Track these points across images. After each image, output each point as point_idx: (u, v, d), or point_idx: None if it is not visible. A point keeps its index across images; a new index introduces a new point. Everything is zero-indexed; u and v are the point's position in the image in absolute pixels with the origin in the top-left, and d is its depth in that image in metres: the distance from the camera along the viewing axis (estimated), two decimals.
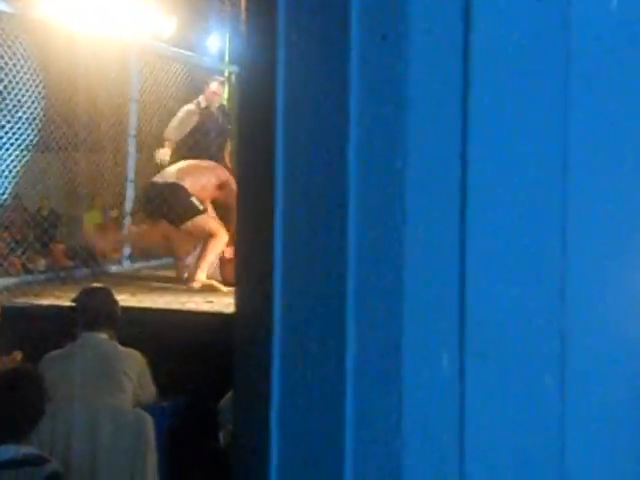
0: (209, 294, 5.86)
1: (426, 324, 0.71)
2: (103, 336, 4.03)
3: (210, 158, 7.17)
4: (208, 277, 6.42)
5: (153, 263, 8.00)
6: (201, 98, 7.65)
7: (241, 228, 0.86)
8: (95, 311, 4.04)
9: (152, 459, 3.84)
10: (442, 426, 0.70)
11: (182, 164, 6.82)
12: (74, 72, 7.22)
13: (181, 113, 7.59)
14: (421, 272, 0.71)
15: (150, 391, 4.11)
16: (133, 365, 4.00)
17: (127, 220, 7.78)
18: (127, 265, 7.73)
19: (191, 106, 7.63)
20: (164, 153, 7.10)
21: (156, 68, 8.14)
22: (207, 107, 7.62)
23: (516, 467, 0.70)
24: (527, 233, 0.72)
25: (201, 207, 6.50)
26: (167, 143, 7.33)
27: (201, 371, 4.75)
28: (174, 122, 7.52)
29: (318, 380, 0.75)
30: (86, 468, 3.76)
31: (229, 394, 3.93)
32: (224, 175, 6.78)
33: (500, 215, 0.72)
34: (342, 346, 0.73)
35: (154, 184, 6.65)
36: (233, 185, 6.49)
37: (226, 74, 9.53)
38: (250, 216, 0.83)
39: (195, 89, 8.80)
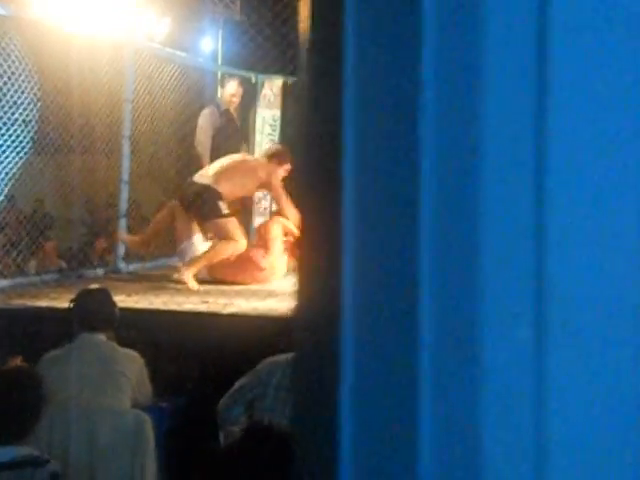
0: (205, 295, 5.85)
1: (504, 295, 0.70)
2: (101, 337, 4.03)
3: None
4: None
5: (148, 265, 8.00)
6: (219, 100, 7.68)
7: (307, 214, 0.85)
8: (93, 312, 4.04)
9: (151, 460, 3.84)
10: (520, 400, 0.70)
11: (221, 167, 6.91)
12: (68, 73, 7.22)
13: (201, 121, 7.65)
14: (498, 242, 0.71)
15: (147, 392, 4.11)
16: (131, 366, 4.00)
17: (122, 222, 7.77)
18: (122, 266, 7.72)
19: (208, 110, 7.68)
20: (203, 176, 7.10)
21: (150, 69, 8.14)
22: (227, 109, 7.66)
23: (597, 438, 0.70)
24: (609, 202, 0.71)
25: (225, 211, 6.68)
26: (202, 158, 7.46)
27: (199, 372, 4.75)
28: (199, 135, 7.61)
29: (393, 357, 0.75)
30: (85, 469, 3.75)
31: (228, 394, 3.93)
32: (265, 174, 6.81)
33: (580, 184, 0.71)
34: (417, 321, 0.73)
35: (192, 183, 6.88)
36: (275, 181, 6.64)
37: (219, 75, 9.53)
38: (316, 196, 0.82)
39: (189, 90, 8.81)
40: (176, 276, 6.60)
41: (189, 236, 6.91)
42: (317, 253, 0.84)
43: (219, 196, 6.68)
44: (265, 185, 6.86)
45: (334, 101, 0.80)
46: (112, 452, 3.78)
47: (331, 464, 0.78)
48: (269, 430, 2.79)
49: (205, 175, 6.89)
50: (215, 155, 7.53)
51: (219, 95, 7.80)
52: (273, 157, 6.88)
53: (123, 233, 7.58)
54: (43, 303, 5.70)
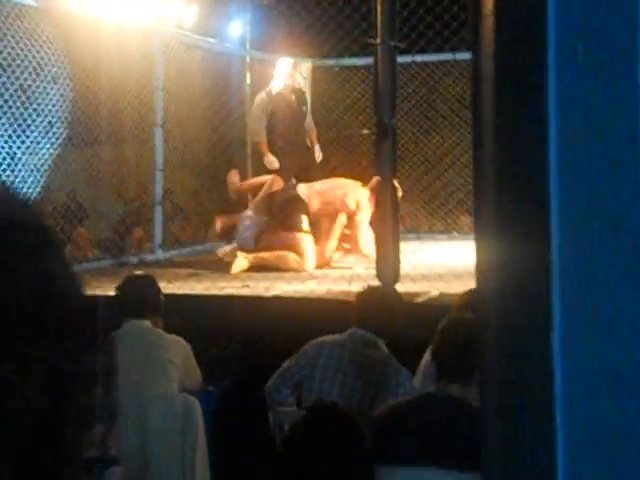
0: (247, 279, 5.86)
1: None
2: (147, 323, 4.04)
3: (289, 143, 7.30)
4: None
5: (185, 251, 8.03)
6: (272, 84, 7.70)
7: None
8: (138, 299, 4.05)
9: (201, 442, 3.86)
10: None
11: (322, 184, 7.20)
12: (99, 64, 7.24)
13: (255, 109, 7.68)
14: None
15: (196, 376, 4.13)
16: (178, 352, 4.01)
17: (157, 209, 7.80)
18: (159, 254, 7.76)
19: (258, 97, 7.70)
20: (271, 162, 7.37)
21: (180, 56, 8.14)
22: (278, 93, 7.67)
23: None
24: None
25: (305, 227, 6.93)
26: (262, 146, 7.52)
27: (245, 355, 4.76)
28: (254, 123, 7.64)
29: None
30: (137, 454, 3.78)
31: (276, 375, 3.94)
32: (359, 196, 6.91)
33: None
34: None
35: (288, 189, 7.22)
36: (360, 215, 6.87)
37: (247, 60, 9.51)
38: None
39: (218, 76, 8.80)
40: (222, 252, 6.83)
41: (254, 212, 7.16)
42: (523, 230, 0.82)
43: (305, 210, 6.95)
44: (350, 214, 7.00)
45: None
46: (163, 436, 3.81)
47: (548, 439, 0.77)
48: (333, 409, 2.80)
49: (301, 187, 7.15)
50: (274, 139, 7.54)
51: (273, 77, 7.73)
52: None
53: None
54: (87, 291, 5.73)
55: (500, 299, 0.84)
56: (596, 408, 0.74)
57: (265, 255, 6.68)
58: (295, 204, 6.99)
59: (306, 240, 6.80)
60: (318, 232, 7.00)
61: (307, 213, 6.96)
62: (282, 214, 7.01)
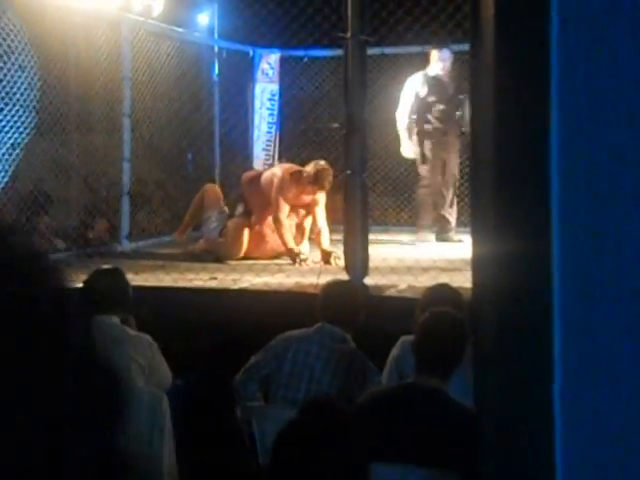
0: (215, 270, 5.84)
1: None
2: (114, 320, 3.98)
3: (439, 127, 7.44)
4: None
5: (151, 241, 7.98)
6: (429, 68, 7.71)
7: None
8: (107, 294, 3.98)
9: (169, 437, 3.84)
10: None
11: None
12: (67, 52, 7.16)
13: (406, 92, 7.62)
14: None
15: (164, 374, 4.07)
16: (142, 350, 3.94)
17: (124, 200, 7.74)
18: (126, 245, 7.70)
19: (411, 77, 7.66)
20: (410, 150, 7.32)
21: (148, 45, 8.08)
22: (434, 76, 7.66)
23: None
24: None
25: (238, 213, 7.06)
26: (404, 133, 7.47)
27: (212, 348, 4.75)
28: (404, 106, 7.59)
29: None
30: None
31: (243, 370, 3.93)
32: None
33: None
34: None
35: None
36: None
37: (216, 49, 9.46)
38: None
39: (187, 65, 8.75)
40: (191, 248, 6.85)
41: (213, 214, 7.18)
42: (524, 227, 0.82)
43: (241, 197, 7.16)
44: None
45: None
46: (129, 431, 3.78)
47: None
48: (330, 405, 2.78)
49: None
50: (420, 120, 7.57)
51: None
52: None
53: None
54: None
55: (500, 293, 0.84)
56: (596, 403, 0.74)
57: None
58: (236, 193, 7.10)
59: (233, 225, 6.84)
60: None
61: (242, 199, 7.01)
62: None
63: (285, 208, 6.73)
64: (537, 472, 0.80)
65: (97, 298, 3.96)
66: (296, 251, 6.57)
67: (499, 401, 0.86)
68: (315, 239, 6.81)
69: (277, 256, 6.81)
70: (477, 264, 0.94)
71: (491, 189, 0.88)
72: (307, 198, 6.80)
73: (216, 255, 6.67)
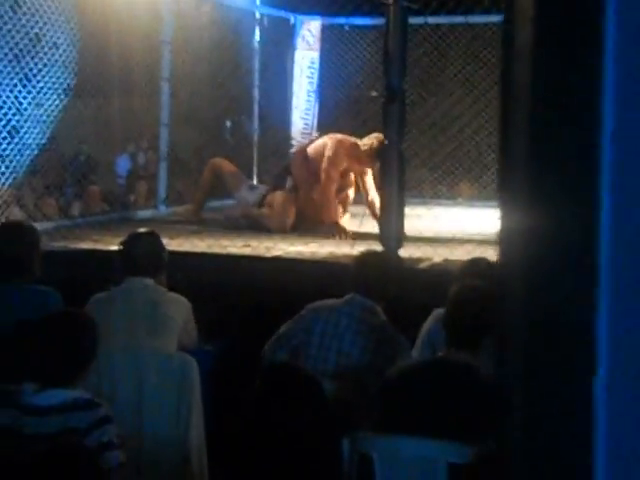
0: (250, 238, 5.83)
1: None
2: (149, 281, 4.00)
3: None
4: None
5: (188, 207, 7.99)
6: None
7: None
8: (141, 256, 4.01)
9: (197, 402, 3.86)
10: None
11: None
12: (106, 15, 7.14)
13: None
14: None
15: (193, 336, 4.11)
16: (178, 310, 3.98)
17: (162, 165, 7.75)
18: (162, 209, 7.73)
19: None
20: None
21: (188, 10, 8.04)
22: None
23: None
24: None
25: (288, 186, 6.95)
26: None
27: (244, 315, 4.75)
28: None
29: None
30: (131, 411, 3.78)
31: (273, 339, 3.92)
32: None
33: None
34: None
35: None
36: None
37: (257, 16, 9.40)
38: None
39: (227, 31, 8.69)
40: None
41: (243, 183, 7.11)
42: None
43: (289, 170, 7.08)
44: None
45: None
46: (158, 393, 3.80)
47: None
48: (292, 369, 2.78)
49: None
50: None
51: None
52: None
53: (180, 209, 7.62)
54: (86, 245, 5.72)
55: (534, 268, 0.80)
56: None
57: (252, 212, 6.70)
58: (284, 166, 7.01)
59: (282, 199, 6.72)
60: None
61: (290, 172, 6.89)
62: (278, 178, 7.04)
63: (335, 181, 6.63)
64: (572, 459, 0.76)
65: (132, 260, 3.98)
66: (342, 226, 6.50)
67: (527, 387, 0.82)
68: (370, 210, 6.71)
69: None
70: (507, 238, 0.90)
71: (524, 157, 0.83)
72: (358, 170, 6.70)
73: (256, 226, 6.60)
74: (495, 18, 7.83)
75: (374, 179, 6.65)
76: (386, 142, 5.33)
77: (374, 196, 6.59)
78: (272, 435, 2.62)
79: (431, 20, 8.82)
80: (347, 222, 6.73)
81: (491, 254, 4.80)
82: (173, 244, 5.68)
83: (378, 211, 6.46)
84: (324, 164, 6.60)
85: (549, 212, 0.79)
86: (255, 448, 2.70)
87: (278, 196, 6.75)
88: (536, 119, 0.82)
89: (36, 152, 6.49)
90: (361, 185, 6.77)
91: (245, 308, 4.80)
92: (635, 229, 0.73)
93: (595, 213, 0.72)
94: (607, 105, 0.74)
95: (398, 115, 5.30)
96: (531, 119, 0.82)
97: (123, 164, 9.26)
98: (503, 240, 0.86)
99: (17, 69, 6.23)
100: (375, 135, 6.50)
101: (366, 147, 6.50)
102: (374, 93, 7.86)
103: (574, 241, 0.76)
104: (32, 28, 6.28)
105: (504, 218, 0.88)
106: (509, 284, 0.87)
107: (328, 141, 6.80)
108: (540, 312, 0.81)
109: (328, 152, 6.63)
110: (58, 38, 6.47)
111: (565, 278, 0.77)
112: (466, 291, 3.21)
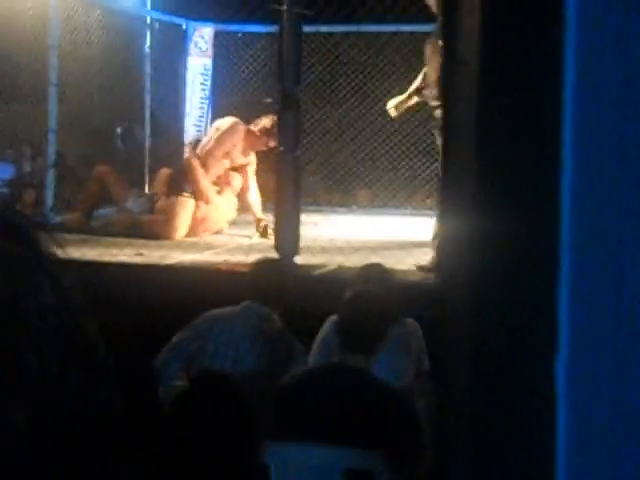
0: (141, 246, 5.68)
1: None
2: None
3: None
4: None
5: (76, 215, 7.76)
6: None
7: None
8: None
9: None
10: None
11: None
12: None
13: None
14: None
15: None
16: None
17: (50, 172, 7.51)
18: (51, 217, 7.49)
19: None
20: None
21: (76, 14, 7.83)
22: None
23: None
24: None
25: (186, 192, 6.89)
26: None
27: (137, 325, 4.62)
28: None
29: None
30: None
31: (166, 349, 3.82)
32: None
33: None
34: None
35: None
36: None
37: (148, 20, 9.24)
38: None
39: (118, 36, 8.51)
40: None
41: (129, 192, 7.07)
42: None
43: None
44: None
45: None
46: None
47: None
48: (220, 378, 2.72)
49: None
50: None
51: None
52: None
53: (67, 216, 7.39)
54: None
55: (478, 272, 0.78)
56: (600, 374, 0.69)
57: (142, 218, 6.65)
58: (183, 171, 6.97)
59: (181, 204, 6.68)
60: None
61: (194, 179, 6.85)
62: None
63: (218, 161, 6.73)
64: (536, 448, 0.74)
65: None
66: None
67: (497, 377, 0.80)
68: (245, 203, 6.82)
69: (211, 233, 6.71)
70: (449, 245, 0.86)
71: (472, 161, 0.80)
72: (244, 159, 6.79)
73: (146, 232, 6.48)
74: (390, 28, 7.89)
75: (261, 188, 6.78)
76: (281, 149, 5.29)
77: (254, 189, 6.75)
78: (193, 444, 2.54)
79: (324, 28, 8.85)
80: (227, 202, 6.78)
81: (387, 260, 4.82)
82: (61, 254, 5.48)
83: (257, 208, 6.61)
84: (213, 149, 6.74)
85: (503, 216, 0.77)
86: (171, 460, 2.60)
87: (172, 202, 6.71)
88: (485, 114, 0.78)
89: None
90: (242, 175, 6.88)
91: (137, 318, 4.67)
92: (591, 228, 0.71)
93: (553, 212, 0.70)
94: (567, 99, 0.71)
95: (293, 121, 5.27)
96: (479, 116, 0.79)
97: (3, 171, 8.94)
98: (445, 247, 0.84)
99: None
100: (265, 116, 6.69)
101: (258, 126, 6.69)
102: (269, 100, 7.84)
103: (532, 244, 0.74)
104: None
105: (446, 226, 0.85)
106: (454, 294, 0.83)
107: (212, 133, 7.00)
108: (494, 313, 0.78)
109: (216, 135, 6.81)
110: None
111: (521, 280, 0.75)
112: (359, 296, 3.19)
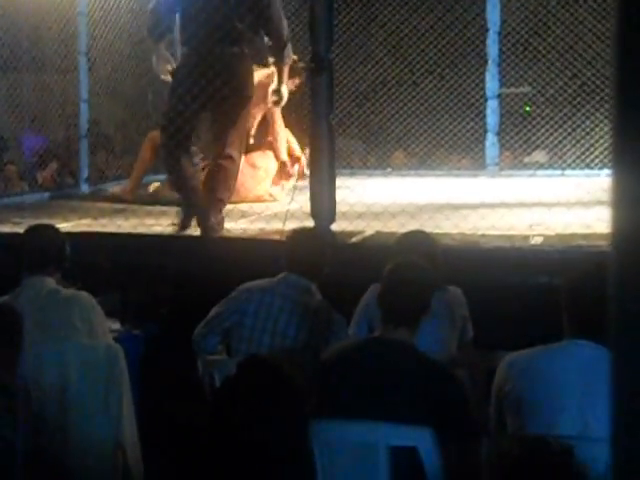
0: (176, 216, 5.60)
1: None
2: (47, 281, 3.71)
3: None
4: None
5: (111, 185, 7.74)
6: None
7: None
8: (40, 252, 3.71)
9: (126, 391, 3.68)
10: None
11: None
12: None
13: None
14: None
15: (104, 332, 3.85)
16: (79, 312, 3.71)
17: (83, 142, 7.46)
18: (85, 188, 7.47)
19: None
20: None
21: None
22: None
23: None
24: None
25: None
26: None
27: (174, 298, 4.58)
28: None
29: None
30: (56, 406, 3.59)
31: (204, 322, 3.77)
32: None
33: None
34: None
35: None
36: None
37: None
38: None
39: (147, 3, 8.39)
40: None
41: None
42: None
43: None
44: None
45: None
46: (84, 387, 3.61)
47: None
48: (265, 364, 2.66)
49: None
50: None
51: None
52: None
53: (116, 188, 7.26)
54: (7, 229, 5.45)
55: None
56: None
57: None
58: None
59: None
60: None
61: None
62: None
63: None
64: None
65: (30, 257, 3.71)
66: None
67: None
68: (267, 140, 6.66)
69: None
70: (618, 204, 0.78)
71: None
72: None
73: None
74: None
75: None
76: (314, 114, 5.16)
77: (280, 129, 6.57)
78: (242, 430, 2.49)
79: None
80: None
81: (426, 225, 4.71)
82: (96, 225, 5.46)
83: (282, 149, 6.39)
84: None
85: None
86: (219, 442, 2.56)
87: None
88: None
89: None
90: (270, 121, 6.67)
91: (175, 290, 4.63)
92: None
93: None
94: None
95: (326, 87, 5.14)
96: None
97: (30, 143, 8.93)
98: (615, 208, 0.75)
99: None
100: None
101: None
102: (301, 64, 7.70)
103: None
104: None
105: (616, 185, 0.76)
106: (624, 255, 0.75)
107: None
108: None
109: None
110: None
111: None
112: (401, 267, 3.10)
